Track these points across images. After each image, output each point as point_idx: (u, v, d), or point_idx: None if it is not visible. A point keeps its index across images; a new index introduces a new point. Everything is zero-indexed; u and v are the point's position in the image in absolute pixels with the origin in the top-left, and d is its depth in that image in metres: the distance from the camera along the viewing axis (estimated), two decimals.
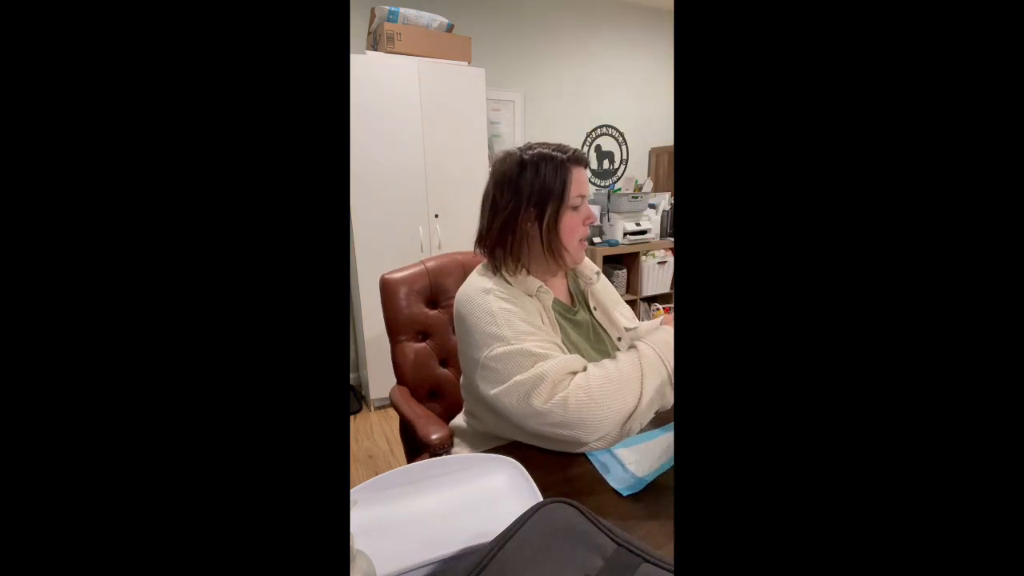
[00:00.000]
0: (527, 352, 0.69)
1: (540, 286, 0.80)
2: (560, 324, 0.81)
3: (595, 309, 0.90)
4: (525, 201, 0.78)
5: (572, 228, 0.80)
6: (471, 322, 0.76)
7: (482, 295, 0.76)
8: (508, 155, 0.80)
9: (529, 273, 0.81)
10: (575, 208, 0.79)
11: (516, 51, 2.81)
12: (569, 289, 0.90)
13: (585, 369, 0.70)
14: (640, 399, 0.66)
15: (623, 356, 0.70)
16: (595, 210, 2.86)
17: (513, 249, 0.79)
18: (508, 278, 0.80)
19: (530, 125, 2.94)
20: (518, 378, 0.68)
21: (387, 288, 1.12)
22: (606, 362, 0.70)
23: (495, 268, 0.81)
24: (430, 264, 1.17)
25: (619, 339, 0.88)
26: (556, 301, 0.83)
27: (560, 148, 0.79)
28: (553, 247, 0.79)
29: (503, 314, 0.74)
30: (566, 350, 0.76)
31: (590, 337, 0.85)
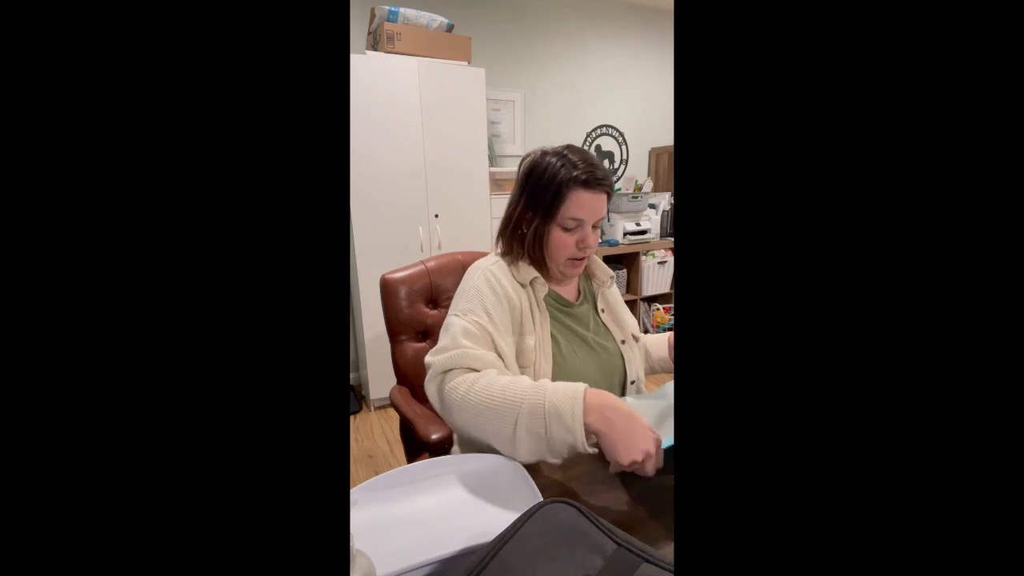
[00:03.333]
0: (452, 334, 0.72)
1: (535, 277, 0.80)
2: (554, 315, 0.83)
3: (603, 311, 0.90)
4: (524, 203, 0.80)
5: (560, 246, 0.79)
6: (458, 290, 0.82)
7: (477, 270, 0.81)
8: (532, 154, 0.81)
9: (532, 263, 0.82)
10: (567, 229, 0.78)
11: (516, 51, 2.81)
12: (579, 286, 0.90)
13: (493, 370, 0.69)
14: (503, 436, 0.61)
15: (521, 384, 0.63)
16: None
17: (513, 240, 0.83)
18: (510, 263, 0.82)
19: (530, 125, 2.93)
20: (427, 358, 0.72)
21: (387, 288, 1.12)
22: (505, 379, 0.64)
23: (503, 251, 0.85)
24: (430, 264, 1.17)
25: (623, 342, 0.88)
26: (552, 294, 0.84)
27: (575, 164, 0.76)
28: (535, 255, 0.81)
29: (474, 292, 0.77)
30: (509, 351, 0.75)
31: (590, 331, 0.86)
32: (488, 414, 0.62)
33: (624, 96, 3.22)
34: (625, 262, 2.99)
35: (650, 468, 0.57)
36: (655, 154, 3.40)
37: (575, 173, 0.76)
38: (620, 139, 3.18)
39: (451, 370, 0.68)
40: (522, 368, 0.77)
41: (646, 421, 0.59)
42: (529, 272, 0.81)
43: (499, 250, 0.86)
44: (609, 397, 0.61)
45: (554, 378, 0.77)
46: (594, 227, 0.80)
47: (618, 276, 2.95)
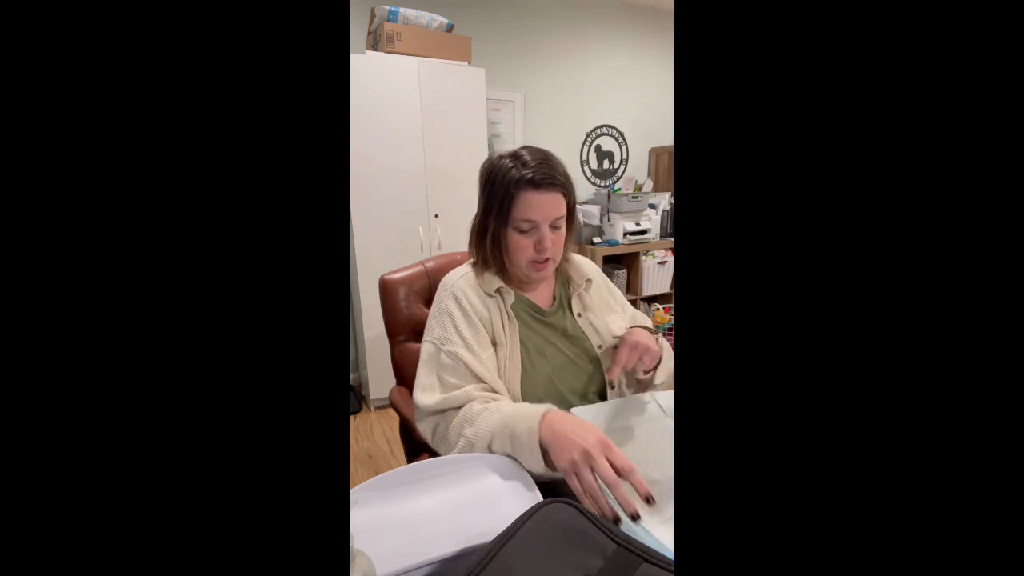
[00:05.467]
0: (433, 370, 0.77)
1: (500, 287, 0.80)
2: (526, 323, 0.82)
3: (579, 315, 0.86)
4: (483, 208, 0.79)
5: (517, 249, 0.77)
6: (431, 310, 0.83)
7: (447, 287, 0.82)
8: (489, 158, 0.80)
9: (497, 272, 0.82)
10: (522, 231, 0.76)
11: (516, 51, 2.81)
12: (554, 292, 0.88)
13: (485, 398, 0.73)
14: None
15: (494, 417, 0.66)
16: (594, 210, 2.86)
17: (479, 247, 0.81)
18: (478, 273, 0.82)
19: (530, 125, 2.93)
20: (415, 396, 0.76)
21: (386, 288, 1.12)
22: (483, 415, 0.67)
23: (473, 260, 0.84)
24: (429, 264, 1.17)
25: (600, 347, 0.84)
26: (523, 301, 0.83)
27: (526, 163, 0.74)
28: (497, 261, 0.80)
29: (446, 316, 0.79)
30: (488, 366, 0.76)
31: (566, 338, 0.84)
32: (470, 451, 0.67)
33: (624, 96, 3.22)
34: (625, 262, 2.99)
35: (587, 474, 0.52)
36: (655, 154, 3.40)
37: (524, 173, 0.73)
38: (620, 139, 3.17)
39: (442, 412, 0.73)
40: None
41: (593, 426, 0.58)
42: (494, 281, 0.80)
43: (471, 260, 0.85)
44: (558, 413, 0.62)
45: (522, 387, 0.78)
46: (554, 228, 0.77)
47: (618, 276, 2.95)
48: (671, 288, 3.07)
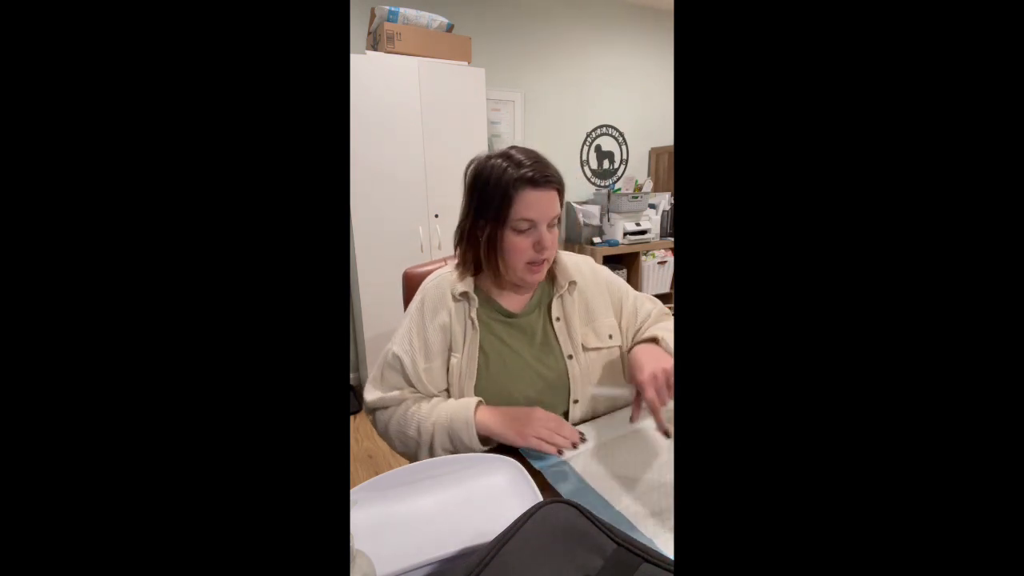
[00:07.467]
0: (381, 366, 0.83)
1: (466, 292, 0.79)
2: (490, 328, 0.81)
3: (557, 320, 0.83)
4: (474, 211, 0.77)
5: (515, 250, 0.75)
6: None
7: (422, 290, 0.84)
8: (476, 159, 0.78)
9: (488, 276, 0.81)
10: (520, 231, 0.74)
11: (516, 51, 2.81)
12: (534, 292, 0.85)
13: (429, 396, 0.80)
14: (422, 450, 0.76)
15: (431, 418, 0.75)
16: (594, 210, 2.86)
17: (468, 251, 0.80)
18: (458, 274, 0.82)
19: (530, 125, 2.93)
20: (366, 390, 0.84)
21: (411, 282, 1.12)
22: (417, 414, 0.77)
23: (457, 263, 0.84)
24: (453, 261, 1.18)
25: (570, 356, 0.82)
26: (491, 305, 0.82)
27: (521, 163, 0.73)
28: (492, 264, 0.78)
29: (407, 318, 0.83)
30: (433, 375, 0.81)
31: (534, 344, 0.82)
32: (409, 442, 0.77)
33: (624, 96, 3.22)
34: (625, 262, 2.99)
35: (547, 446, 0.69)
36: (655, 154, 3.40)
37: (522, 172, 0.72)
38: (620, 139, 3.17)
39: (378, 410, 0.81)
40: (449, 385, 0.80)
41: (516, 410, 0.74)
42: (467, 284, 0.79)
43: (456, 262, 0.83)
44: (484, 408, 0.75)
45: (476, 393, 0.78)
46: (550, 227, 0.76)
47: (618, 276, 2.95)
48: (671, 288, 3.07)
